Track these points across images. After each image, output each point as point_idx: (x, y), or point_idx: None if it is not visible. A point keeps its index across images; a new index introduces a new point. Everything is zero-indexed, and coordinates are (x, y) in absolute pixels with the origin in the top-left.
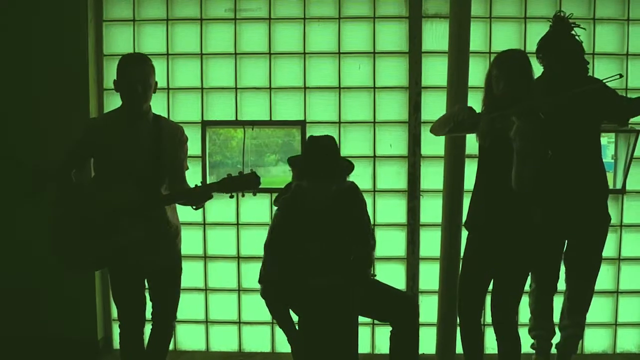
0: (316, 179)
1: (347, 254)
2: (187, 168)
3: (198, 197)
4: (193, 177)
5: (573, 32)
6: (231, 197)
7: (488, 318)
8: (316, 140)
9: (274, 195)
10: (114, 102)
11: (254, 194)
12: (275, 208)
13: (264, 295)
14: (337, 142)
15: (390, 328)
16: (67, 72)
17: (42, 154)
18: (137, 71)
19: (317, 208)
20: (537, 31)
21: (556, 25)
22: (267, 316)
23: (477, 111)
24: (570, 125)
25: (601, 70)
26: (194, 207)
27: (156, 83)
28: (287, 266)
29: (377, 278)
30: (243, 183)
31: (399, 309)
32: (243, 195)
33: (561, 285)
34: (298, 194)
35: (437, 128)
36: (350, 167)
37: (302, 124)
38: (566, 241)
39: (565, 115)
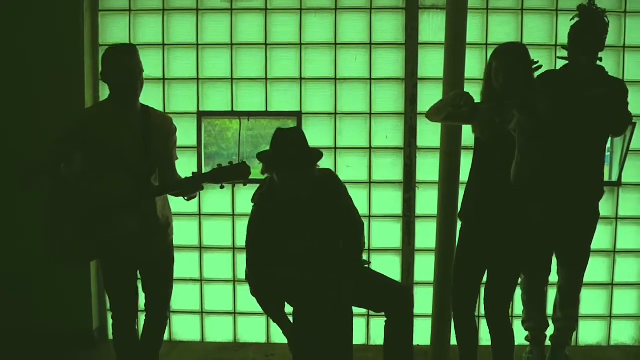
0: (283, 170)
1: (336, 245)
2: (177, 158)
3: (189, 188)
4: (189, 168)
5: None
6: (222, 187)
7: (482, 310)
8: (281, 133)
9: None
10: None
11: (245, 184)
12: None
13: (253, 293)
14: (305, 133)
15: (384, 319)
16: (62, 63)
17: (40, 145)
18: (134, 61)
19: (292, 200)
20: (534, 23)
21: (591, 19)
22: None
23: (475, 100)
24: (575, 125)
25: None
26: (186, 198)
27: None
28: (273, 262)
29: (372, 269)
30: (233, 173)
31: (393, 299)
32: (234, 186)
33: (553, 277)
34: (271, 187)
35: (434, 113)
36: (318, 155)
37: (298, 115)
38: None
39: (572, 115)
